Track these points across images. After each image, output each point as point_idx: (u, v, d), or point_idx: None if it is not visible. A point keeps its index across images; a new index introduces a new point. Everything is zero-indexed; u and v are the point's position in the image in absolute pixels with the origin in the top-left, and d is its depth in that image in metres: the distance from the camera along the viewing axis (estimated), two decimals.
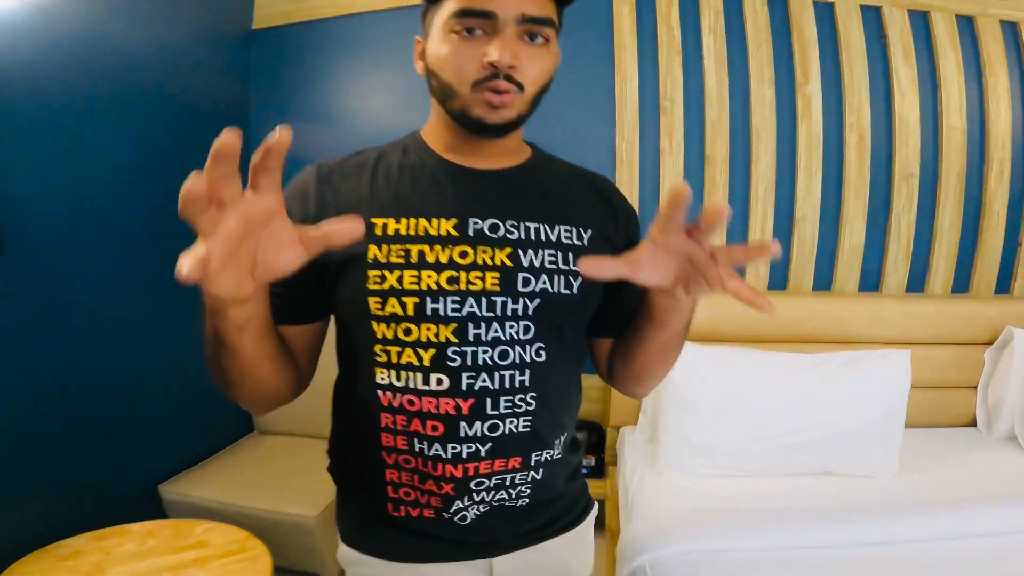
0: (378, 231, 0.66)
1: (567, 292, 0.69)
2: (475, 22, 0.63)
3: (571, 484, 0.82)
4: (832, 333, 1.89)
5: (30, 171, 1.43)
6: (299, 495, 1.70)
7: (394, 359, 0.66)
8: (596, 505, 0.89)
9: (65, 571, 1.31)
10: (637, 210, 2.08)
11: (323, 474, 0.84)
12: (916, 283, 1.99)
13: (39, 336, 1.46)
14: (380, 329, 0.66)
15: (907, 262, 1.97)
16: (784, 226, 1.98)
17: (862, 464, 1.58)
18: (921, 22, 1.95)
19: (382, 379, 0.67)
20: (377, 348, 0.67)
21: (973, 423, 1.93)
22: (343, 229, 0.47)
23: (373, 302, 0.65)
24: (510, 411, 0.68)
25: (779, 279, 2.01)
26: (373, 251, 0.65)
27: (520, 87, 0.65)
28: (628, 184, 1.99)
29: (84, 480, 1.58)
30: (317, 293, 0.69)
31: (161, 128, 1.77)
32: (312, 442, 2.03)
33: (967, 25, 1.94)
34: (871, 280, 2.00)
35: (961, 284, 1.98)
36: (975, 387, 1.91)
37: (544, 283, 0.68)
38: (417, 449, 0.68)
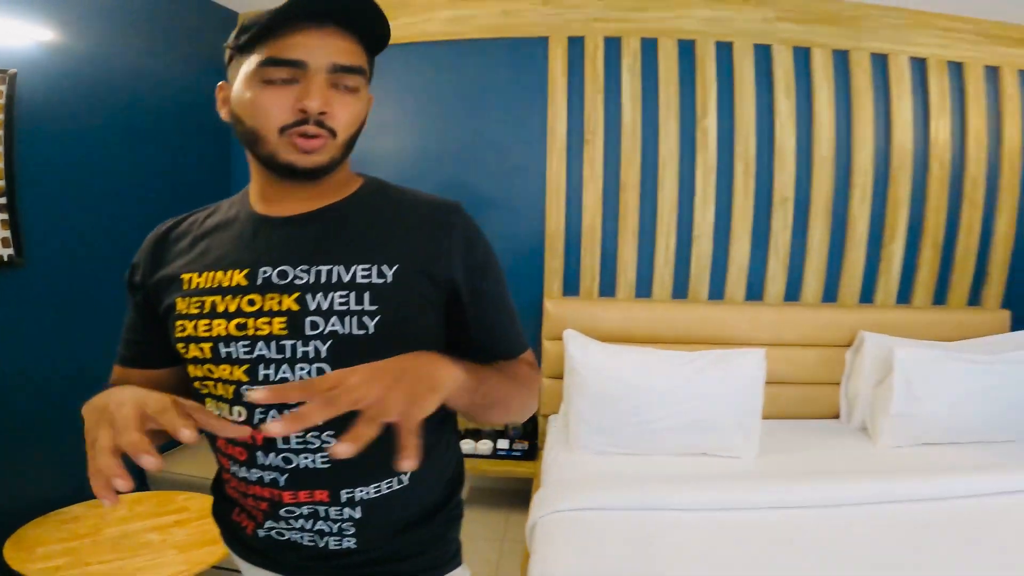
0: (184, 286, 0.73)
1: (361, 332, 0.69)
2: (285, 71, 0.66)
3: (430, 544, 0.80)
4: (723, 335, 2.25)
5: (52, 188, 1.76)
6: None
7: (208, 391, 0.73)
8: None
9: (66, 532, 1.60)
10: (563, 229, 2.38)
11: None
12: (793, 292, 2.36)
13: (55, 336, 1.77)
14: (192, 369, 0.73)
15: (784, 275, 2.33)
16: (685, 243, 2.33)
17: (728, 446, 1.92)
18: (803, 58, 2.28)
19: (209, 408, 0.73)
20: (196, 384, 0.74)
21: (837, 415, 2.30)
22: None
23: (180, 347, 0.72)
24: (302, 447, 0.70)
25: (681, 289, 2.36)
26: (179, 304, 0.73)
27: (332, 133, 0.69)
28: (556, 207, 2.32)
29: (82, 459, 1.86)
30: (163, 341, 0.76)
31: (171, 147, 2.16)
32: None
33: (842, 59, 2.27)
34: (756, 290, 2.36)
35: (830, 294, 2.36)
36: (839, 384, 2.29)
37: (335, 325, 0.69)
38: (233, 470, 0.75)
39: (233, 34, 0.70)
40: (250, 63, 0.67)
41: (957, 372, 1.95)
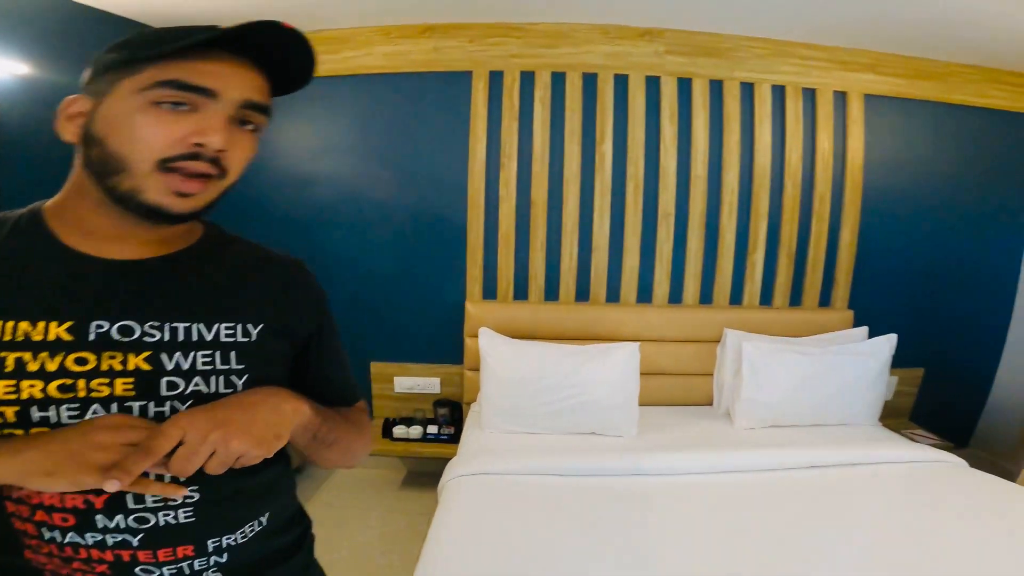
0: None
1: (228, 391, 0.67)
2: (188, 96, 0.60)
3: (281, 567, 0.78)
4: (617, 333, 2.65)
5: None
6: None
7: None
8: None
9: None
10: (482, 241, 2.74)
11: None
12: (675, 295, 2.79)
13: None
14: None
15: (668, 280, 2.76)
16: (586, 253, 2.73)
17: (613, 425, 2.33)
18: (686, 88, 2.66)
19: None
20: None
21: (711, 402, 2.73)
22: None
23: None
24: (162, 504, 0.65)
25: (583, 293, 2.77)
26: None
27: (223, 173, 0.64)
28: (476, 222, 2.68)
29: None
30: None
31: None
32: None
33: (717, 88, 2.67)
34: (645, 293, 2.78)
35: (706, 296, 2.80)
36: (712, 375, 2.73)
37: (197, 385, 0.65)
38: (48, 537, 0.63)
39: (117, 43, 0.63)
40: (139, 80, 0.60)
41: (792, 362, 2.40)
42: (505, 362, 2.34)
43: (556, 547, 1.54)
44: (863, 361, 2.42)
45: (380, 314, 2.78)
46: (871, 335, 2.77)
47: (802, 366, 2.40)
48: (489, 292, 2.76)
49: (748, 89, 2.71)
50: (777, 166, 2.73)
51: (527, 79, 2.66)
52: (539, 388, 2.30)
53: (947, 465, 2.06)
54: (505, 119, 2.65)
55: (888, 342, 2.46)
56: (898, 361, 2.93)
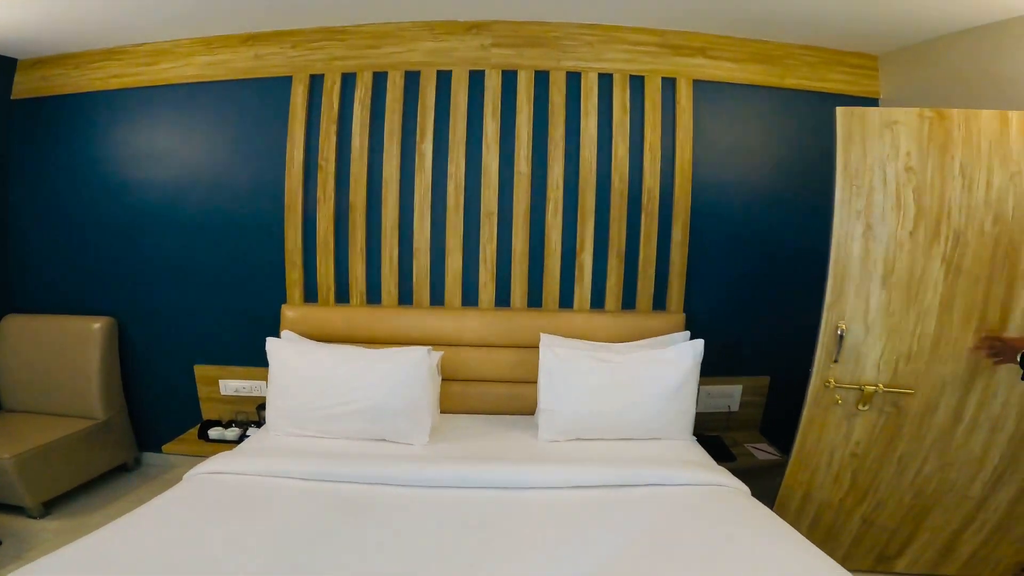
0: None
1: None
2: None
3: None
4: (438, 337, 2.59)
5: None
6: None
7: None
8: None
9: None
10: (301, 244, 2.66)
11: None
12: (503, 299, 2.70)
13: None
14: None
15: (493, 283, 2.68)
16: (407, 256, 2.67)
17: (402, 433, 2.24)
18: (511, 81, 2.59)
19: None
20: None
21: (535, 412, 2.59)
22: None
23: None
24: None
25: (407, 297, 2.70)
26: None
27: None
28: (294, 226, 2.66)
29: None
30: None
31: None
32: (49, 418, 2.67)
33: (543, 79, 2.59)
34: (471, 297, 2.70)
35: (535, 300, 2.70)
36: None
37: None
38: None
39: None
40: None
41: (588, 370, 2.26)
42: (289, 364, 2.29)
43: (233, 555, 1.45)
44: (663, 370, 2.27)
45: (202, 318, 2.77)
46: (710, 341, 2.64)
47: (599, 375, 2.26)
48: (311, 296, 2.72)
49: (575, 79, 2.63)
50: (604, 160, 2.63)
51: (349, 81, 2.64)
52: (321, 391, 2.24)
53: (725, 491, 1.87)
54: (324, 122, 2.63)
55: (692, 348, 2.30)
56: (743, 369, 2.80)
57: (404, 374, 2.24)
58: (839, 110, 1.87)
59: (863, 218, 1.88)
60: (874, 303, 1.92)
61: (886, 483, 2.06)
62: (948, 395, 1.94)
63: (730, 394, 2.82)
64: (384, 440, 2.27)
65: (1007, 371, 1.89)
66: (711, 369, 2.82)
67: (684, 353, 2.29)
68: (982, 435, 1.96)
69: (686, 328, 2.72)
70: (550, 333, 2.55)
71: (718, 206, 2.68)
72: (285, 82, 2.65)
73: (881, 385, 1.96)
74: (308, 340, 2.50)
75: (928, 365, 1.93)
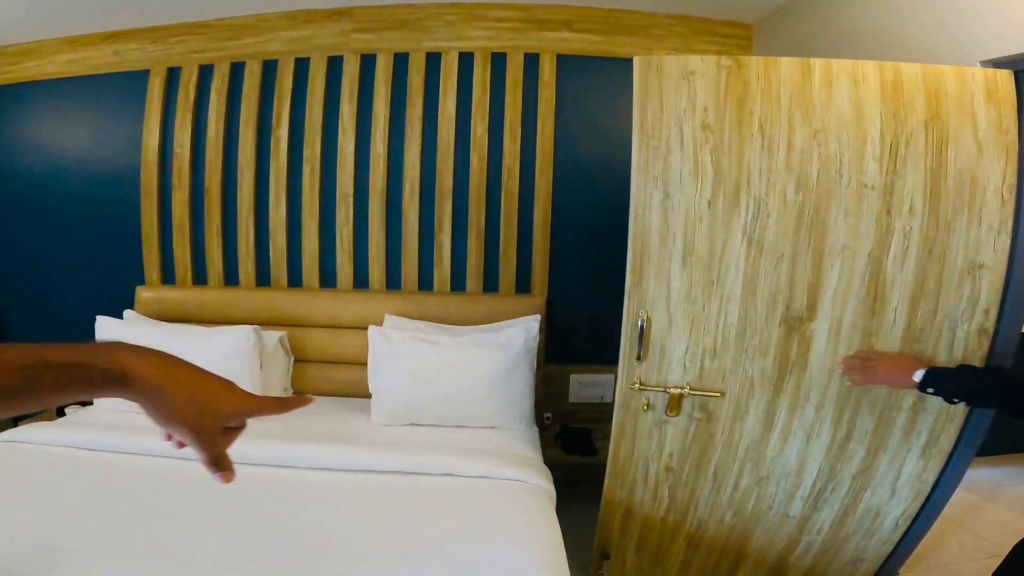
0: None
1: None
2: None
3: None
4: (295, 317, 2.53)
5: None
6: None
7: None
8: None
9: None
10: (156, 234, 2.63)
11: None
12: (362, 280, 2.62)
13: None
14: None
15: (351, 264, 2.61)
16: (264, 237, 2.63)
17: None
18: (371, 64, 2.56)
19: None
20: None
21: None
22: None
23: None
24: None
25: (265, 278, 2.65)
26: None
27: None
28: (150, 210, 2.63)
29: None
30: None
31: None
32: None
33: (403, 62, 2.54)
34: (330, 279, 2.63)
35: (394, 282, 2.62)
36: None
37: None
38: None
39: None
40: None
41: (414, 352, 2.16)
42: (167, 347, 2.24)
43: None
44: (492, 354, 2.14)
45: (63, 301, 2.75)
46: (579, 326, 2.53)
47: (426, 358, 2.15)
48: (169, 277, 2.69)
49: (435, 60, 2.58)
50: (463, 140, 2.57)
51: (207, 72, 2.63)
52: None
53: (521, 488, 1.74)
54: (179, 112, 2.62)
55: (524, 331, 2.18)
56: (617, 357, 2.65)
57: (224, 353, 2.17)
58: (637, 60, 1.70)
59: (660, 185, 1.58)
60: (675, 287, 1.62)
61: (704, 500, 1.85)
62: (757, 397, 1.69)
63: (603, 383, 2.67)
64: None
65: (818, 370, 1.63)
66: (583, 357, 2.70)
67: (515, 336, 2.17)
68: (797, 445, 1.72)
69: (551, 312, 2.61)
70: (404, 315, 2.46)
71: (583, 184, 2.58)
72: (143, 76, 2.66)
73: (688, 386, 1.68)
74: (149, 320, 2.45)
75: (735, 361, 1.66)
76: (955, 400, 1.40)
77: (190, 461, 1.67)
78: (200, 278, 2.68)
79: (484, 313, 2.50)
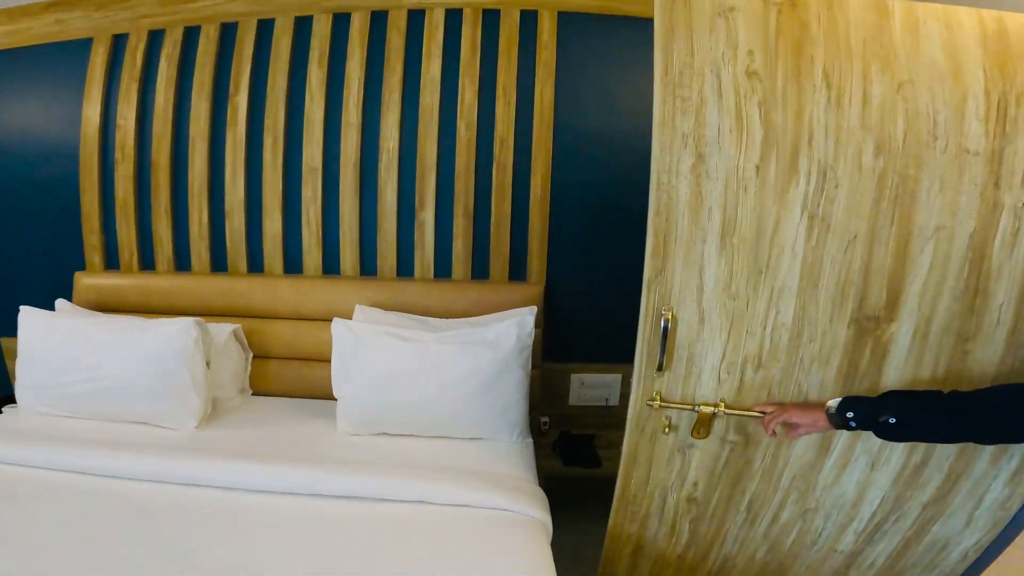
0: None
1: None
2: None
3: None
4: (257, 307, 2.22)
5: None
6: None
7: None
8: None
9: None
10: (97, 214, 2.30)
11: None
12: (332, 266, 2.29)
13: None
14: None
15: (319, 247, 2.28)
16: (219, 217, 2.29)
17: (165, 416, 1.86)
18: (344, 24, 2.23)
19: None
20: None
21: None
22: None
23: None
24: None
25: (221, 263, 2.32)
26: None
27: None
28: (90, 188, 2.30)
29: None
30: None
31: None
32: None
33: (381, 20, 2.22)
34: (295, 263, 2.30)
35: (370, 267, 2.29)
36: None
37: None
38: None
39: None
40: None
41: (384, 349, 1.84)
42: (38, 335, 1.91)
43: None
44: (479, 352, 1.81)
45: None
46: (581, 319, 2.22)
47: (401, 357, 1.83)
48: (113, 262, 2.35)
49: (418, 18, 2.25)
50: (448, 106, 2.23)
51: (157, 39, 2.30)
52: (66, 366, 1.85)
53: (510, 520, 1.44)
54: (124, 80, 2.28)
55: (517, 326, 1.85)
56: (624, 354, 2.33)
57: (158, 349, 1.84)
58: None
59: (692, 144, 1.23)
60: (710, 276, 1.27)
61: (733, 535, 1.54)
62: None
63: (608, 384, 2.35)
64: (147, 424, 1.88)
65: (895, 383, 1.30)
66: (586, 354, 2.39)
67: (506, 332, 1.84)
68: (858, 472, 1.41)
69: (550, 303, 2.29)
70: (378, 306, 2.13)
71: (587, 157, 2.25)
72: (86, 44, 2.32)
73: (722, 404, 1.35)
74: (84, 311, 2.12)
75: (785, 372, 1.33)
76: (887, 420, 1.13)
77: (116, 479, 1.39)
78: (148, 263, 2.35)
79: (472, 303, 2.17)
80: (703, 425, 1.39)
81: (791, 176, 1.23)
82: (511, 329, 1.84)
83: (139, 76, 2.28)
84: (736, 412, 1.35)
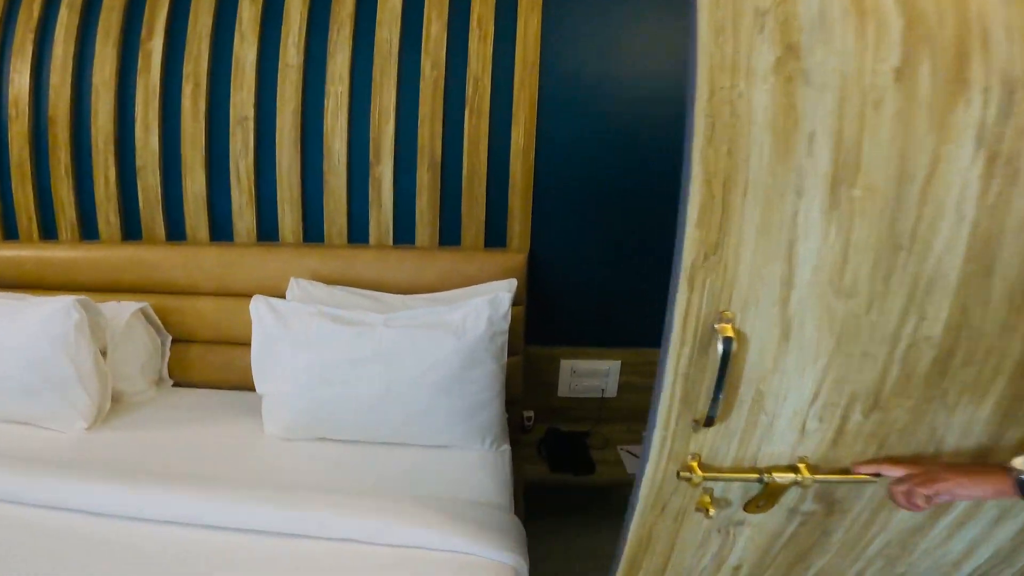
0: None
1: None
2: None
3: None
4: (178, 282, 1.84)
5: None
6: None
7: None
8: None
9: None
10: None
11: None
12: (269, 231, 1.90)
13: None
14: None
15: (253, 209, 1.89)
16: (130, 176, 1.89)
17: (46, 416, 1.48)
18: None
19: None
20: None
21: None
22: None
23: None
24: None
25: (135, 229, 1.92)
26: None
27: None
28: None
29: None
30: None
31: None
32: None
33: None
34: (224, 229, 1.91)
35: (316, 232, 1.91)
36: None
37: None
38: None
39: None
40: None
41: (323, 337, 1.46)
42: None
43: None
44: (442, 339, 1.43)
45: None
46: (573, 295, 1.85)
47: (339, 344, 1.45)
48: (12, 232, 1.95)
49: None
50: (412, 42, 1.86)
51: None
52: None
53: (464, 566, 1.06)
54: (20, 32, 1.89)
55: (490, 306, 1.48)
56: (623, 337, 1.98)
57: (30, 336, 1.44)
58: None
59: (774, 29, 0.67)
60: (808, 259, 0.74)
61: None
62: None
63: (604, 372, 1.97)
64: (30, 424, 1.49)
65: None
66: (577, 336, 2.01)
67: (476, 314, 1.46)
68: (977, 528, 0.97)
69: (534, 275, 1.92)
70: (320, 280, 1.75)
71: (581, 103, 1.88)
72: None
73: (804, 468, 0.87)
74: None
75: (917, 413, 0.84)
76: None
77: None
78: (50, 231, 1.94)
79: (440, 275, 1.79)
80: (770, 497, 0.92)
81: (957, 91, 0.68)
82: (481, 310, 1.46)
83: (36, 27, 1.89)
84: (830, 479, 0.88)
